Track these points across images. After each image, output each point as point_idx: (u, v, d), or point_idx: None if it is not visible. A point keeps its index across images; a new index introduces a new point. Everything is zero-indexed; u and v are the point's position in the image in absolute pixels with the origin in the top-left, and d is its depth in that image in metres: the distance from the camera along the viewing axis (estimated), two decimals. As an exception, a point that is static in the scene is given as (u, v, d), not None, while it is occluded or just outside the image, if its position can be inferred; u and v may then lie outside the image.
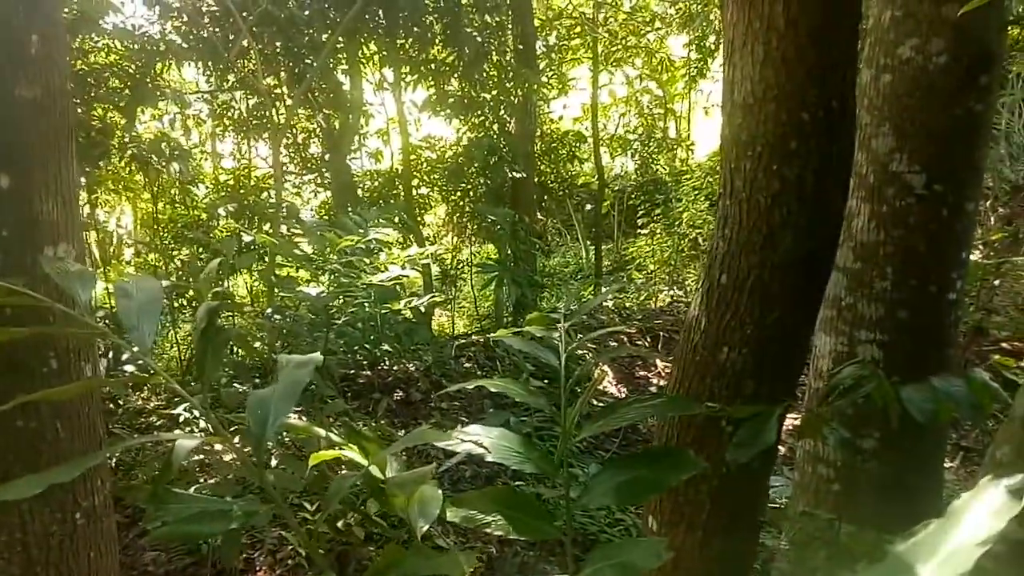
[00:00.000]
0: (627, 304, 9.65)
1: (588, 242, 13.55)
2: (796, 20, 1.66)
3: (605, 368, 5.54)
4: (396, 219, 4.14)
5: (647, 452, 1.71)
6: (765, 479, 2.02)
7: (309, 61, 6.28)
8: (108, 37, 5.10)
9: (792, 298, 1.90)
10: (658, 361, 6.14)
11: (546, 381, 5.36)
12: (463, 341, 6.46)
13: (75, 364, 1.51)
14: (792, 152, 1.74)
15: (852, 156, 1.95)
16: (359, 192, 8.22)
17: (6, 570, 1.36)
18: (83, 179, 5.17)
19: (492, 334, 1.83)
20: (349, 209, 8.09)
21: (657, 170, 11.93)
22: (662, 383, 6.16)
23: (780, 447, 4.15)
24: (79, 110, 4.99)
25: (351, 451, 1.25)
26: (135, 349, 1.18)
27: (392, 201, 8.07)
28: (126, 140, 5.38)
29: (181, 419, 4.11)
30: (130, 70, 5.80)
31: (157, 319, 1.20)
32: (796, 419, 3.13)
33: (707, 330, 1.94)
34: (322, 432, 1.26)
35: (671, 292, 9.65)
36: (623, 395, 5.43)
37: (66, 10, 4.56)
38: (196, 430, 4.13)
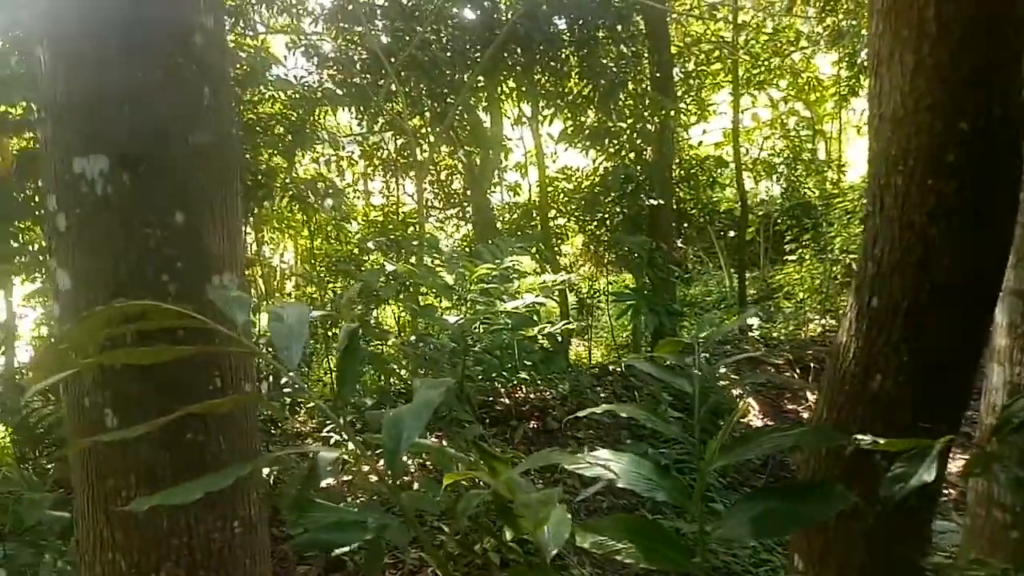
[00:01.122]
0: (774, 334, 9.21)
1: (731, 270, 13.10)
2: (949, 24, 1.54)
3: (749, 400, 5.30)
4: (533, 249, 4.21)
5: (789, 484, 1.62)
6: (927, 521, 1.84)
7: (451, 100, 6.58)
8: (273, 88, 5.61)
9: (953, 323, 1.74)
10: (808, 394, 5.79)
11: (685, 412, 5.21)
12: (599, 370, 6.42)
13: (237, 383, 1.65)
14: (949, 165, 1.61)
15: (1021, 170, 1.78)
16: (498, 225, 8.44)
17: (173, 572, 1.49)
18: (250, 217, 5.68)
19: (626, 359, 1.81)
20: (489, 241, 8.35)
21: (805, 193, 11.37)
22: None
23: (950, 490, 3.77)
24: (247, 155, 5.52)
25: (482, 472, 1.27)
26: (284, 368, 1.27)
27: (530, 232, 8.22)
28: (288, 181, 5.85)
29: (332, 441, 4.36)
30: (292, 117, 6.34)
31: (305, 340, 1.29)
32: (966, 458, 2.85)
33: (857, 357, 1.81)
34: (451, 451, 1.30)
35: (823, 321, 9.10)
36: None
37: (237, 65, 5.07)
38: (346, 452, 4.35)
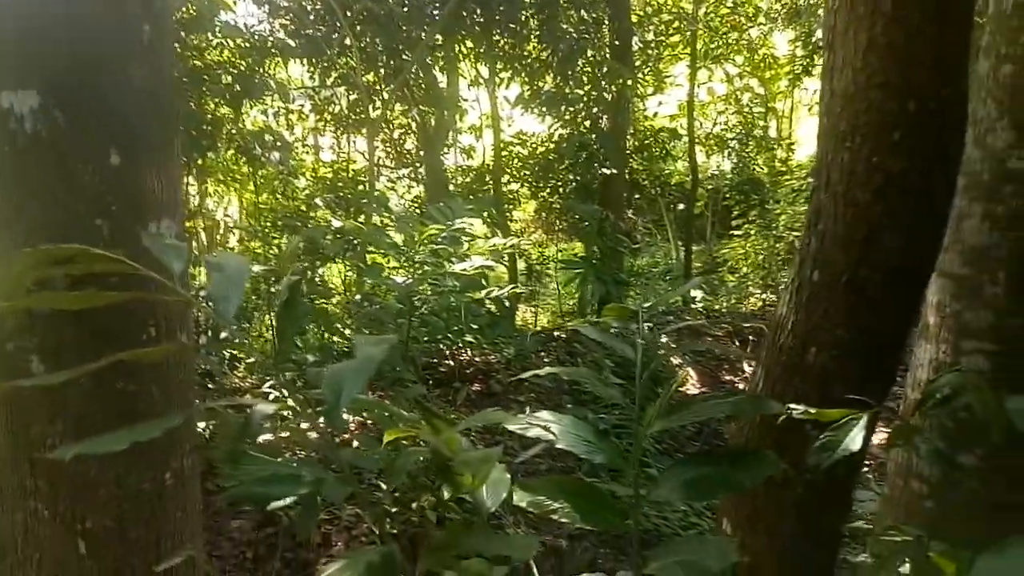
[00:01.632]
0: (716, 307, 9.40)
1: (679, 242, 13.30)
2: (903, 2, 1.56)
3: (688, 369, 5.42)
4: (484, 213, 4.17)
5: (722, 450, 1.66)
6: (850, 489, 1.92)
7: (406, 57, 6.43)
8: (221, 35, 5.39)
9: (889, 300, 1.80)
10: (745, 365, 5.95)
11: (626, 380, 5.30)
12: (545, 336, 6.47)
13: (173, 333, 1.60)
14: (896, 144, 1.64)
15: (963, 151, 1.83)
16: (450, 187, 8.35)
17: (100, 523, 1.45)
18: (193, 168, 5.49)
19: (571, 324, 1.82)
20: (440, 203, 8.27)
21: (755, 170, 11.56)
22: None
23: (870, 461, 3.94)
24: (191, 104, 5.31)
25: (423, 430, 1.27)
26: (222, 318, 1.24)
27: (481, 195, 8.16)
28: (234, 132, 5.66)
29: (271, 397, 4.30)
30: (240, 67, 6.11)
31: (242, 291, 1.26)
32: (889, 431, 2.97)
33: (795, 329, 1.86)
34: (393, 408, 1.29)
35: (764, 296, 9.33)
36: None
37: (184, 8, 4.84)
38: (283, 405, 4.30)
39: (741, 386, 5.77)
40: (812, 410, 1.74)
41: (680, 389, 5.16)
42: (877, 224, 1.74)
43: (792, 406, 1.78)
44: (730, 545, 1.17)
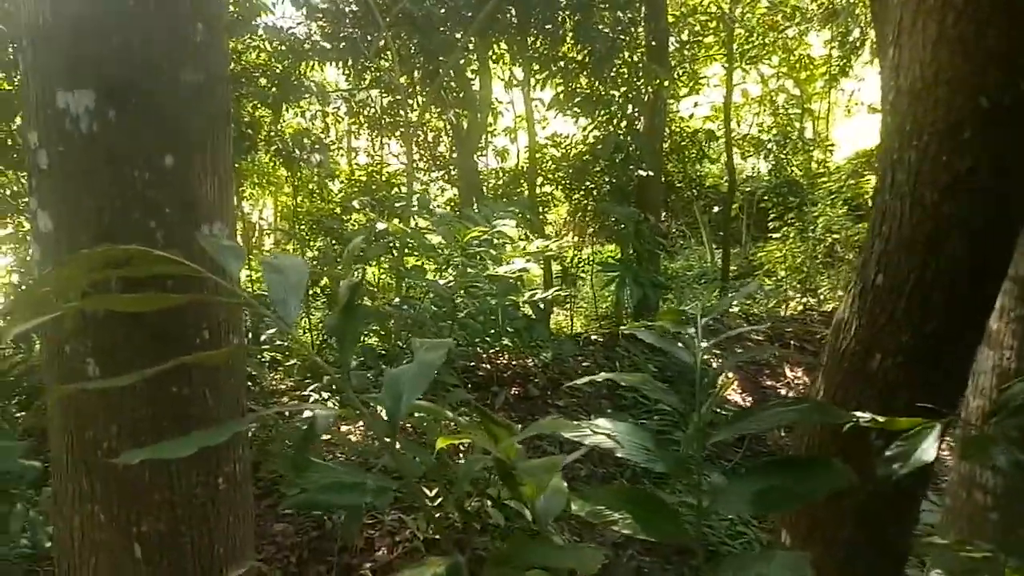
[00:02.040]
0: (754, 310, 9.26)
1: (714, 245, 13.13)
2: (978, -6, 1.50)
3: (730, 374, 5.33)
4: (520, 215, 4.14)
5: (790, 460, 1.60)
6: (918, 501, 1.85)
7: (442, 59, 6.43)
8: (260, 38, 5.43)
9: (957, 304, 1.72)
10: (787, 370, 5.84)
11: (666, 383, 5.22)
12: (581, 340, 6.41)
13: (225, 336, 1.59)
14: (965, 142, 1.57)
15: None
16: (484, 190, 8.34)
17: (154, 527, 1.44)
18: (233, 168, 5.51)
19: (624, 327, 1.77)
20: (475, 205, 8.27)
21: (792, 172, 11.38)
22: (790, 394, 5.85)
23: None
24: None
25: (481, 437, 1.24)
26: (281, 322, 1.22)
27: (516, 198, 8.12)
28: (272, 135, 5.70)
29: (312, 399, 4.31)
30: (277, 69, 6.17)
31: (302, 293, 1.24)
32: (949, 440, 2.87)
33: (858, 335, 1.79)
34: (450, 414, 1.26)
35: (803, 300, 9.16)
36: (748, 404, 5.19)
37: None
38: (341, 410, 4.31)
39: (783, 391, 5.66)
40: (881, 418, 1.68)
41: (721, 396, 5.07)
42: (945, 225, 1.67)
43: (859, 414, 1.72)
44: (803, 560, 1.12)
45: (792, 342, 6.24)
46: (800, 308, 8.78)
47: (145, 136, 1.45)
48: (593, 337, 6.49)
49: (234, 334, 1.65)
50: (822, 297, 9.82)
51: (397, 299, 4.19)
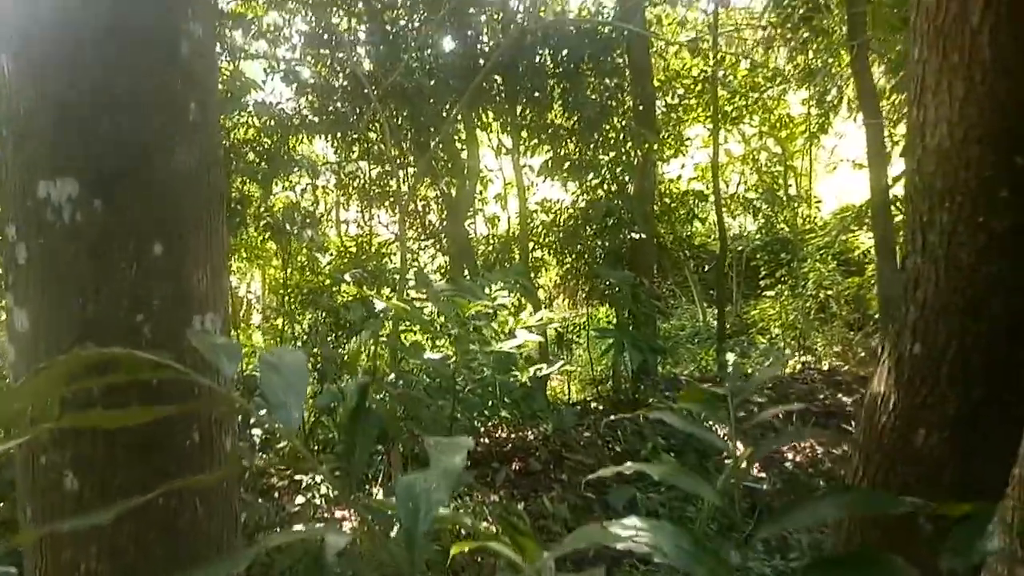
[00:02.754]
0: (749, 370, 9.13)
1: (704, 304, 13.09)
2: (1004, 49, 1.44)
3: (738, 443, 5.16)
4: (515, 283, 4.05)
5: (845, 559, 1.46)
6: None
7: (431, 130, 6.46)
8: (249, 114, 5.42)
9: (998, 369, 1.62)
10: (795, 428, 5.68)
11: (671, 454, 5.06)
12: (580, 408, 6.25)
13: (217, 438, 1.46)
14: (1002, 201, 1.50)
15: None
16: (475, 257, 8.28)
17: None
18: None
19: (654, 412, 1.66)
20: (466, 272, 8.22)
21: (781, 229, 11.46)
22: (797, 457, 5.69)
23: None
24: (220, 183, 5.26)
25: (506, 548, 1.11)
26: (279, 425, 1.09)
27: (508, 265, 8.07)
28: (262, 210, 5.64)
29: (303, 484, 4.11)
30: (266, 144, 6.16)
31: (303, 395, 1.12)
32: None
33: (898, 409, 1.68)
34: (469, 522, 1.13)
35: (803, 358, 9.07)
36: (761, 474, 5.02)
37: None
38: (317, 495, 4.13)
39: (791, 456, 5.49)
40: (936, 506, 1.55)
41: (727, 462, 4.90)
42: (983, 288, 1.58)
43: (911, 499, 1.59)
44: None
45: (795, 402, 6.09)
46: (799, 367, 8.66)
47: (133, 225, 1.35)
48: (592, 404, 6.34)
49: (227, 434, 1.51)
50: (820, 354, 9.72)
51: (392, 375, 4.05)
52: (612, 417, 4.41)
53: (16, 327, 1.36)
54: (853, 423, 5.65)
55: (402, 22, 6.98)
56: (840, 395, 7.03)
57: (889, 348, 1.72)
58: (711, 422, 1.96)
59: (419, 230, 8.62)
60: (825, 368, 8.66)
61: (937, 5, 1.46)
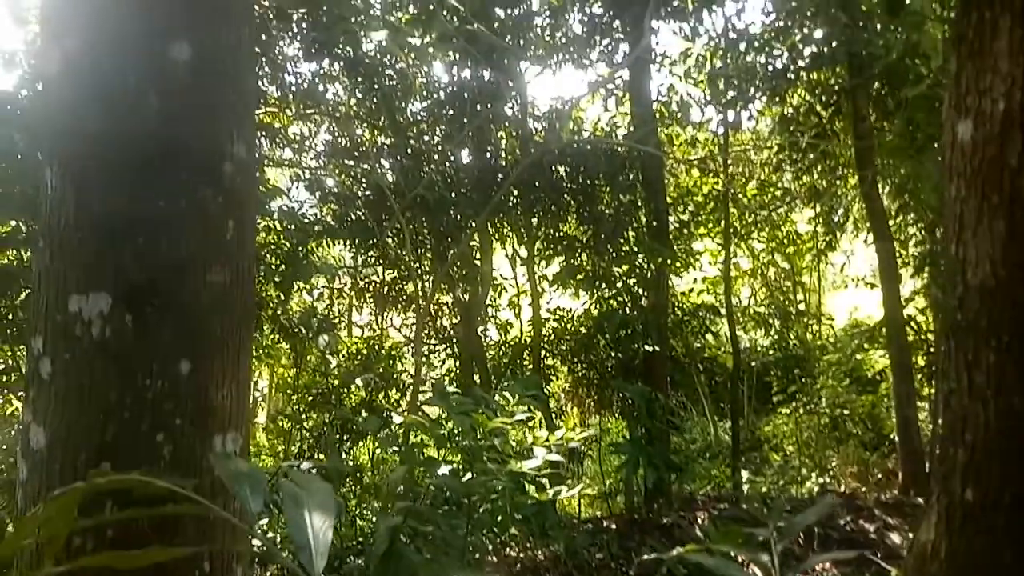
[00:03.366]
0: (763, 488, 8.83)
1: (715, 418, 12.85)
2: (1048, 192, 1.44)
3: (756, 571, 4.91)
4: (529, 394, 3.97)
5: None
6: None
7: (449, 240, 6.56)
8: (277, 220, 5.52)
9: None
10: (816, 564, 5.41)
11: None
12: (592, 525, 6.01)
13: (227, 568, 1.37)
14: (1053, 344, 1.46)
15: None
16: (487, 362, 8.21)
17: None
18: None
19: (690, 552, 1.56)
20: (476, 377, 8.13)
21: (795, 345, 11.40)
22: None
23: None
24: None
25: None
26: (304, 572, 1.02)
27: (519, 372, 7.99)
28: (279, 313, 5.64)
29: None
30: (284, 248, 6.24)
31: (330, 536, 1.05)
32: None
33: (951, 559, 1.58)
34: None
35: (818, 479, 8.78)
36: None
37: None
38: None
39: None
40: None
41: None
42: (1038, 432, 1.51)
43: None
44: None
45: (816, 529, 5.84)
46: (815, 489, 8.37)
47: (162, 342, 1.32)
48: (604, 522, 6.09)
49: (238, 563, 1.43)
50: (833, 473, 9.43)
51: (401, 488, 3.90)
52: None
53: (31, 444, 1.31)
54: (877, 554, 5.39)
55: (425, 137, 7.24)
56: (861, 521, 6.75)
57: (938, 492, 1.63)
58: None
59: (431, 334, 8.61)
60: (844, 491, 8.36)
61: (973, 146, 1.47)
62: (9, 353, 6.31)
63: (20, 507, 1.35)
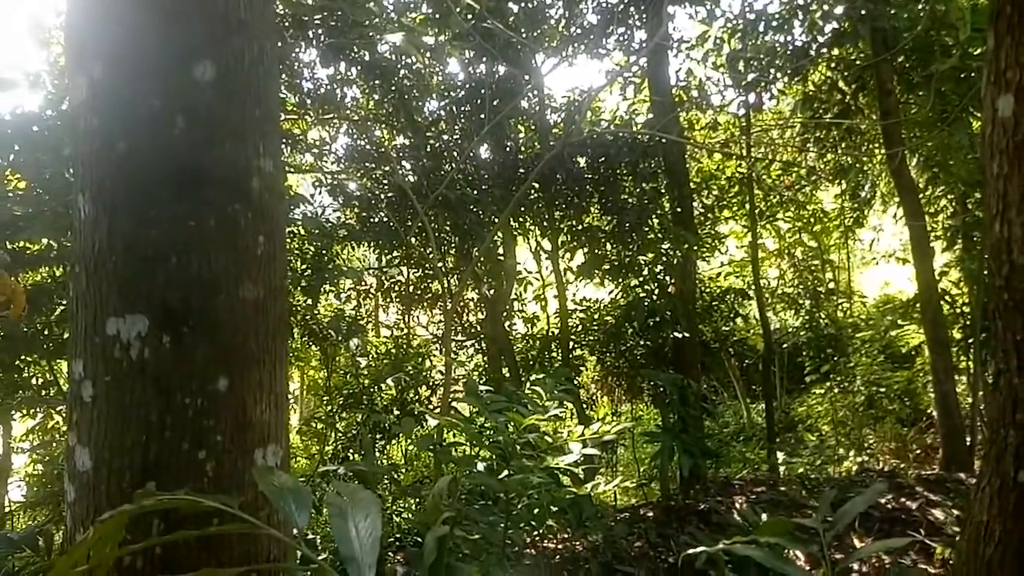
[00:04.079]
0: (800, 470, 8.74)
1: (747, 400, 12.74)
2: (1092, 166, 1.39)
3: (798, 552, 4.85)
4: (561, 387, 3.96)
5: None
6: None
7: (473, 237, 6.56)
8: (302, 226, 5.56)
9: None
10: (856, 541, 5.34)
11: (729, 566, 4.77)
12: (630, 515, 5.99)
13: (275, 580, 1.38)
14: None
15: None
16: (515, 355, 8.22)
17: None
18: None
19: (736, 545, 1.55)
20: (505, 370, 8.14)
21: (826, 325, 11.26)
22: (864, 569, 5.31)
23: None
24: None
25: None
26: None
27: (548, 364, 7.98)
28: (308, 318, 5.68)
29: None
30: (308, 253, 6.29)
31: (378, 548, 1.05)
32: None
33: (1005, 540, 1.54)
34: None
35: (857, 459, 8.67)
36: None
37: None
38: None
39: (856, 567, 5.13)
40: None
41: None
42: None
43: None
44: None
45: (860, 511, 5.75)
46: (855, 468, 8.26)
47: (200, 359, 1.33)
48: (642, 511, 6.06)
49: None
50: (871, 451, 9.31)
51: (439, 486, 3.92)
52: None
53: (77, 466, 1.33)
54: (921, 531, 5.30)
55: (444, 136, 7.24)
56: (903, 499, 6.65)
57: (989, 474, 1.59)
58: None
59: (458, 330, 8.63)
60: (883, 468, 8.24)
61: (1016, 122, 1.42)
62: (47, 368, 6.46)
63: (69, 528, 1.37)
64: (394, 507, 6.22)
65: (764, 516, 5.31)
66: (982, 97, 1.47)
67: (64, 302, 5.38)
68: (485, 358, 8.69)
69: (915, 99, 8.13)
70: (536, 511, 4.71)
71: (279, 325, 1.47)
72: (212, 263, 1.36)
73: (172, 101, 1.32)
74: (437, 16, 5.37)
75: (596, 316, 8.12)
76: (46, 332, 5.75)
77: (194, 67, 1.33)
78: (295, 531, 1.28)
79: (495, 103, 6.37)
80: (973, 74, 6.43)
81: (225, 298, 1.37)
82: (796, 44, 7.20)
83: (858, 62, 7.76)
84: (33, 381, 6.44)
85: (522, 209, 7.11)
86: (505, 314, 8.27)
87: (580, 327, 8.17)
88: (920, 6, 6.46)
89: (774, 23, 7.09)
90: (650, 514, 5.96)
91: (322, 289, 5.82)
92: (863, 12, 6.21)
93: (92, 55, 1.34)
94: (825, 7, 6.72)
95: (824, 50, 7.37)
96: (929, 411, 9.39)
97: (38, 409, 6.86)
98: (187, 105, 1.33)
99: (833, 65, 8.12)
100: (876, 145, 9.38)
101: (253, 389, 1.39)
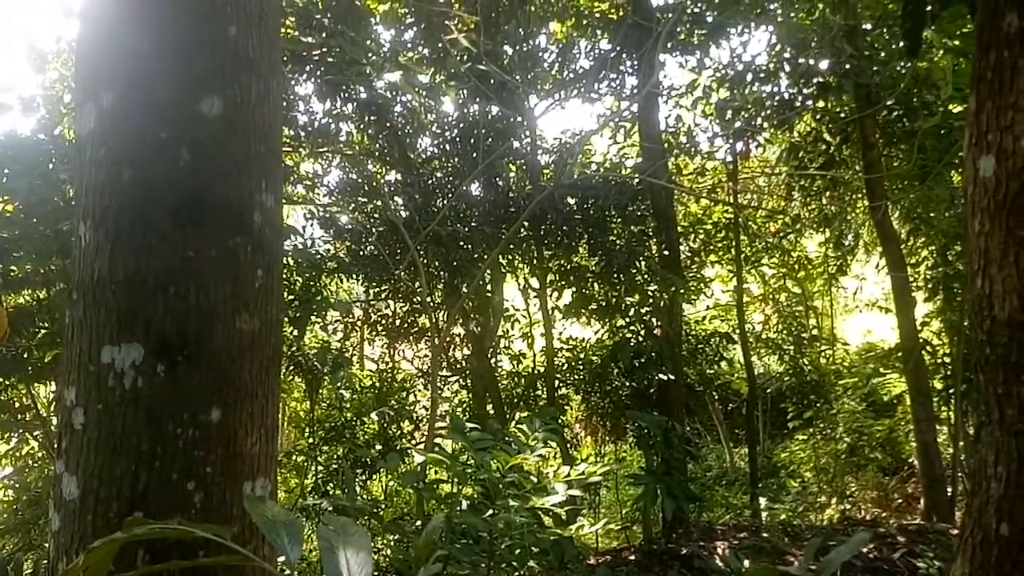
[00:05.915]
0: (782, 516, 8.71)
1: (731, 444, 12.73)
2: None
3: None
4: (547, 428, 3.96)
5: None
6: None
7: (463, 273, 6.59)
8: (292, 258, 5.56)
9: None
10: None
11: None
12: (612, 558, 5.92)
13: (258, 617, 1.36)
14: (1083, 375, 1.45)
15: None
16: (500, 393, 8.19)
17: None
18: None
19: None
20: (490, 407, 8.11)
21: (809, 371, 11.34)
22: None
23: None
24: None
25: None
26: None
27: (533, 402, 7.96)
28: (294, 349, 5.65)
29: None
30: (296, 284, 6.28)
31: (368, 585, 1.04)
32: None
33: (987, 596, 1.55)
34: None
35: (839, 506, 8.66)
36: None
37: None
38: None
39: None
40: None
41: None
42: (1068, 465, 1.50)
43: None
44: None
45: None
46: (837, 516, 8.25)
47: (193, 390, 1.33)
48: (623, 554, 6.00)
49: (269, 611, 1.42)
50: (853, 500, 9.31)
51: (419, 522, 3.88)
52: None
53: (64, 495, 1.32)
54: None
55: (437, 173, 7.31)
56: (885, 549, 6.63)
57: (971, 525, 1.61)
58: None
59: (444, 365, 8.60)
60: (865, 517, 8.23)
61: (996, 182, 1.47)
62: (24, 392, 6.35)
63: (52, 557, 1.35)
64: (374, 544, 6.13)
65: (746, 562, 5.30)
66: (963, 157, 1.52)
67: (46, 325, 5.32)
68: (470, 394, 8.66)
69: (897, 152, 8.33)
70: (518, 551, 4.67)
71: (273, 358, 1.47)
72: (211, 294, 1.37)
73: (179, 133, 1.34)
74: (433, 56, 5.47)
75: (582, 355, 8.14)
76: (26, 355, 5.67)
77: (202, 101, 1.36)
78: (283, 565, 1.28)
79: (488, 142, 6.46)
80: (953, 131, 6.62)
81: (222, 329, 1.38)
82: (782, 95, 7.39)
83: (842, 115, 7.96)
84: (11, 404, 6.33)
85: (511, 247, 7.17)
86: (491, 350, 8.27)
87: (566, 366, 8.18)
88: (902, 65, 6.66)
89: (761, 74, 7.28)
90: (632, 557, 5.90)
91: (309, 320, 5.79)
92: (847, 67, 6.39)
93: (102, 85, 1.36)
94: (811, 62, 6.91)
95: (809, 102, 7.56)
96: (910, 460, 9.43)
97: (13, 433, 6.73)
98: (193, 138, 1.35)
99: (818, 117, 8.32)
100: (859, 196, 9.56)
101: (245, 421, 1.39)
